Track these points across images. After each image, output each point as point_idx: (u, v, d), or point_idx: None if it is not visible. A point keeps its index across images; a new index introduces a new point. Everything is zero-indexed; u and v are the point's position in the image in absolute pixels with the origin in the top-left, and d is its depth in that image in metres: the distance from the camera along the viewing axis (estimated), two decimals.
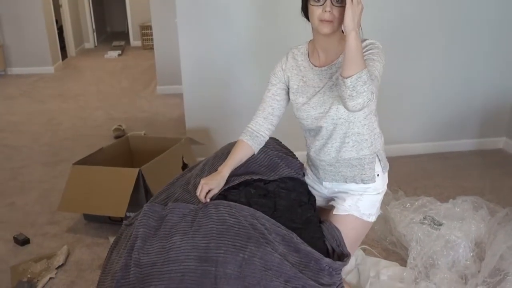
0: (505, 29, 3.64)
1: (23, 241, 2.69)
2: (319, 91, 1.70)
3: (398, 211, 2.74)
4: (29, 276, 2.39)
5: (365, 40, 1.63)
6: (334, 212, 1.79)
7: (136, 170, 2.66)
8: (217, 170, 1.77)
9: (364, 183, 1.77)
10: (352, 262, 2.43)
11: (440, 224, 2.52)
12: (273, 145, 1.99)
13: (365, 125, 1.70)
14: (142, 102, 5.62)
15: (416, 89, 3.73)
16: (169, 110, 5.24)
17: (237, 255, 1.45)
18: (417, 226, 2.52)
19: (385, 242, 2.68)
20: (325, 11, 1.53)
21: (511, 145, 3.90)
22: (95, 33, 9.90)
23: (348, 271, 2.41)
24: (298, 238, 1.58)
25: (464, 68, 3.71)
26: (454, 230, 2.46)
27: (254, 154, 1.86)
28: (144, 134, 4.33)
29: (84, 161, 2.89)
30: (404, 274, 2.33)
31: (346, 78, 1.45)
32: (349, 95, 1.46)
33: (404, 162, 3.69)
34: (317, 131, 1.76)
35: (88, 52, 9.26)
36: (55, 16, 7.77)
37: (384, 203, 2.92)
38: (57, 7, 8.09)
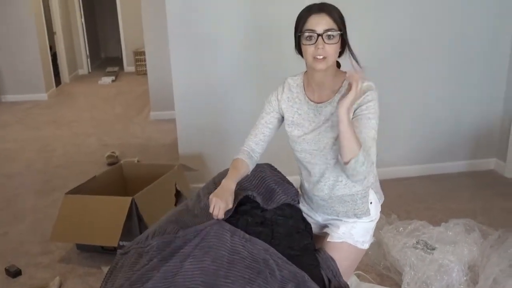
0: (494, 53, 3.72)
1: (15, 273, 2.67)
2: (315, 128, 1.71)
3: (392, 235, 2.74)
4: None
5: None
6: (328, 239, 1.80)
7: (129, 199, 2.66)
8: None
9: (357, 217, 1.79)
10: None
11: (433, 248, 2.53)
12: (269, 171, 2.01)
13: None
14: (136, 128, 5.64)
15: (406, 111, 3.77)
16: (163, 136, 5.26)
17: (244, 287, 1.45)
18: (410, 251, 2.52)
19: (379, 267, 2.68)
20: (318, 48, 1.57)
21: (501, 166, 3.94)
22: (89, 59, 9.98)
23: None
24: (309, 278, 1.57)
25: (454, 90, 3.77)
26: (447, 254, 2.47)
27: (248, 174, 1.86)
28: (138, 161, 4.33)
29: (76, 190, 2.89)
30: None
31: (345, 163, 1.54)
32: (350, 174, 1.59)
33: (396, 185, 3.71)
34: (311, 167, 1.78)
35: (82, 78, 9.32)
36: (49, 42, 7.84)
37: (378, 228, 2.92)
38: (51, 34, 8.17)
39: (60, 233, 2.76)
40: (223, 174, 1.93)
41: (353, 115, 1.61)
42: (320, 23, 1.57)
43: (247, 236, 1.61)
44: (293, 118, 1.77)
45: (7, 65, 7.09)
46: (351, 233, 1.78)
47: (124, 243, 2.61)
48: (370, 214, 1.79)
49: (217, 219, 1.62)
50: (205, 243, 1.56)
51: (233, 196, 1.68)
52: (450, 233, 2.67)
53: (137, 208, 2.68)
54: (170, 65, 3.46)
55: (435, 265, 2.42)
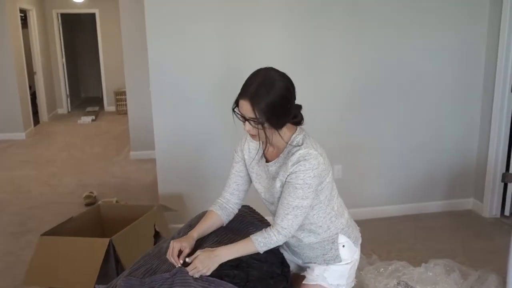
0: (465, 93, 3.85)
1: None
2: (267, 183, 1.76)
3: (373, 276, 2.73)
4: None
5: (297, 150, 1.63)
6: (303, 282, 1.81)
7: (107, 240, 2.60)
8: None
9: (326, 264, 1.79)
10: None
11: None
12: (248, 213, 2.01)
13: (314, 215, 1.73)
14: (115, 168, 5.58)
15: (384, 152, 3.84)
16: (142, 176, 5.21)
17: None
18: None
19: None
20: (246, 129, 1.64)
21: (479, 206, 4.00)
22: (69, 99, 9.94)
23: None
24: None
25: (429, 130, 3.86)
26: None
27: (223, 225, 1.87)
28: (116, 201, 4.26)
29: (52, 232, 2.81)
30: None
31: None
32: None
33: (376, 224, 3.72)
34: (271, 211, 1.83)
35: (61, 118, 9.25)
36: (29, 82, 7.81)
37: (359, 268, 2.90)
38: (31, 73, 8.15)
39: (34, 276, 2.66)
40: (200, 217, 1.94)
41: (285, 179, 1.65)
42: (244, 108, 1.59)
43: (210, 278, 1.60)
44: (252, 169, 1.82)
45: None
46: (324, 276, 1.78)
47: (101, 286, 2.53)
48: (340, 260, 1.78)
49: (179, 266, 1.64)
50: None
51: (191, 243, 1.73)
52: (431, 273, 2.68)
53: (114, 250, 2.61)
54: (150, 104, 3.48)
55: None
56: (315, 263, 1.82)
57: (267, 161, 1.76)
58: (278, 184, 1.69)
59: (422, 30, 3.65)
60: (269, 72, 1.62)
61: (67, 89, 9.90)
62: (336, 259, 1.77)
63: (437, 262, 2.82)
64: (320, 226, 1.74)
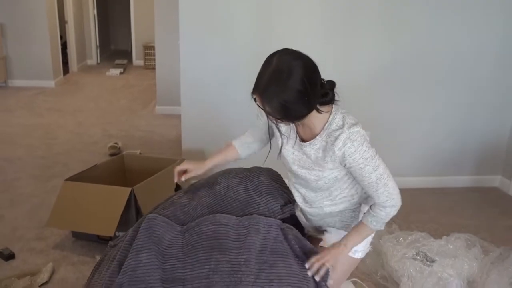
0: (503, 69, 3.68)
1: (8, 256, 2.64)
2: (297, 161, 1.68)
3: (391, 245, 2.70)
4: None
5: (340, 133, 1.53)
6: (320, 244, 1.79)
7: (129, 190, 2.63)
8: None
9: (345, 230, 1.76)
10: None
11: (433, 261, 2.48)
12: (265, 177, 1.98)
13: (341, 186, 1.68)
14: (140, 121, 5.62)
15: (415, 124, 3.74)
16: (167, 131, 5.24)
17: (203, 268, 1.56)
18: (409, 262, 2.48)
19: (376, 276, 2.64)
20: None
21: (506, 184, 3.89)
22: (98, 50, 9.98)
23: None
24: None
25: (463, 105, 3.73)
26: (447, 267, 2.42)
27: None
28: (140, 153, 4.31)
29: (76, 178, 2.86)
30: None
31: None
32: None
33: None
34: (294, 190, 1.81)
35: (90, 69, 9.31)
36: (60, 31, 7.84)
37: (377, 236, 2.89)
38: (62, 22, 8.17)
39: (57, 219, 2.73)
40: (218, 174, 1.99)
41: (341, 165, 1.59)
42: (259, 102, 1.49)
43: (193, 224, 1.73)
44: (284, 130, 1.72)
45: (17, 50, 7.09)
46: None
47: (120, 233, 2.57)
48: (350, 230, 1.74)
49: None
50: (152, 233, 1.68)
51: (201, 170, 1.86)
52: (451, 246, 2.63)
53: (135, 199, 2.65)
54: (178, 61, 3.45)
55: (433, 277, 2.37)
56: (333, 227, 1.80)
57: (302, 140, 1.66)
58: (309, 164, 1.63)
59: (460, 8, 3.47)
60: (283, 58, 1.44)
61: (97, 40, 9.93)
62: (348, 228, 1.75)
63: (458, 235, 2.77)
64: (345, 197, 1.70)
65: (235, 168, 2.04)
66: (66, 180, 2.81)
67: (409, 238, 2.74)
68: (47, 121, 5.48)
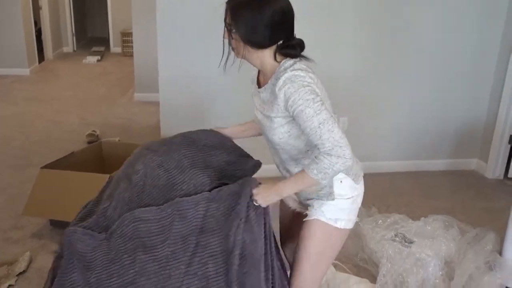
0: (481, 53, 3.73)
1: None
2: (259, 111, 1.66)
3: (370, 227, 2.73)
4: None
5: (284, 73, 1.48)
6: (303, 219, 1.70)
7: (106, 176, 2.59)
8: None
9: (320, 199, 1.65)
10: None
11: (411, 242, 2.52)
12: (192, 142, 1.84)
13: (307, 151, 1.61)
14: (119, 109, 5.54)
15: (392, 107, 3.77)
16: (146, 118, 5.18)
17: (127, 273, 1.49)
18: (388, 243, 2.52)
19: (356, 258, 2.67)
20: (224, 37, 1.58)
21: (482, 167, 3.96)
22: (74, 37, 9.77)
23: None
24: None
25: (440, 89, 3.78)
26: (425, 248, 2.46)
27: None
28: (119, 140, 4.25)
29: (53, 165, 2.81)
30: None
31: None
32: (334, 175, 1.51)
33: (378, 179, 3.71)
34: (269, 146, 1.74)
35: (66, 56, 9.12)
36: (34, 17, 7.64)
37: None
38: (36, 9, 7.95)
39: (33, 208, 2.68)
40: (135, 158, 1.83)
41: (285, 113, 1.51)
42: (226, 12, 1.54)
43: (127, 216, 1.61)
44: (252, 100, 1.72)
45: None
46: (321, 210, 1.65)
47: None
48: (333, 198, 1.63)
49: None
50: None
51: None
52: (429, 227, 2.67)
53: None
54: (156, 48, 3.41)
55: (412, 258, 2.41)
56: (312, 198, 1.69)
57: (259, 86, 1.64)
58: (265, 111, 1.58)
59: None
60: None
61: (73, 27, 9.71)
62: (330, 196, 1.63)
63: (436, 217, 2.81)
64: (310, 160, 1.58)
65: (154, 143, 1.86)
66: (42, 168, 2.76)
67: (388, 220, 2.78)
68: (23, 110, 5.36)
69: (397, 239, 2.55)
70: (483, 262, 2.44)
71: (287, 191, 1.55)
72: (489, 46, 3.73)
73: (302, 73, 1.46)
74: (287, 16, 1.51)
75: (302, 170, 1.51)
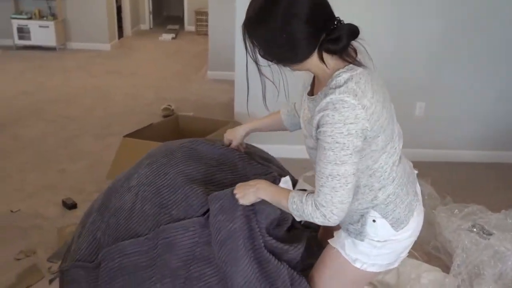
0: None
1: (71, 205, 2.79)
2: (304, 111, 1.43)
3: (445, 216, 2.64)
4: None
5: (332, 92, 1.19)
6: (328, 240, 1.52)
7: None
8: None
9: (348, 234, 1.43)
10: None
11: (490, 234, 2.41)
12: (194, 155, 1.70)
13: None
14: (192, 85, 5.69)
15: (475, 95, 3.58)
16: (218, 95, 5.28)
17: None
18: (465, 233, 2.42)
19: (428, 246, 2.60)
20: None
21: None
22: (151, 16, 10.10)
23: (388, 270, 2.35)
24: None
25: None
26: (505, 241, 2.35)
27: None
28: (193, 115, 4.37)
29: (134, 135, 2.95)
30: (446, 280, 2.25)
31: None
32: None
33: (456, 168, 3.56)
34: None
35: (143, 33, 9.46)
36: None
37: (431, 207, 2.83)
38: None
39: (116, 173, 2.83)
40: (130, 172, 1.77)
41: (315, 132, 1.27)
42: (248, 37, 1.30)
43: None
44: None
45: (75, 13, 7.29)
46: (343, 243, 1.44)
47: None
48: (363, 239, 1.38)
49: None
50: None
51: (238, 139, 1.74)
52: (510, 221, 2.54)
53: None
54: (231, 27, 3.43)
55: (490, 250, 2.31)
56: (342, 228, 1.48)
57: (312, 94, 1.38)
58: (308, 133, 1.35)
59: None
60: None
61: (151, 5, 10.03)
62: (358, 236, 1.39)
63: None
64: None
65: (157, 153, 1.75)
66: (125, 136, 2.90)
67: (465, 210, 2.67)
68: (104, 82, 5.65)
69: (475, 230, 2.45)
70: None
71: (264, 195, 1.40)
72: None
73: (352, 101, 1.16)
74: (319, 8, 1.19)
75: (289, 191, 1.35)
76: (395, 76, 3.36)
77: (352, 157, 1.20)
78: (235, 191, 1.44)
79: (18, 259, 2.35)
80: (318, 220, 1.26)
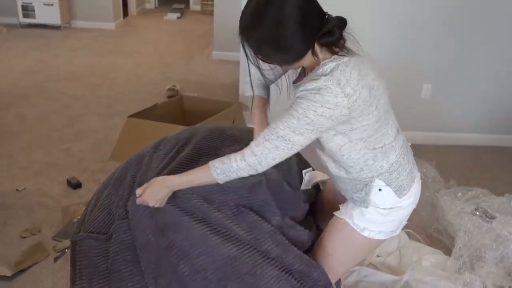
0: None
1: (75, 185, 2.81)
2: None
3: (448, 199, 2.64)
4: (78, 217, 2.50)
5: (317, 79, 1.23)
6: (334, 212, 1.58)
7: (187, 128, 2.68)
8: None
9: (353, 203, 1.50)
10: (394, 244, 2.39)
11: (493, 217, 2.42)
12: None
13: (344, 155, 1.38)
14: (197, 65, 5.66)
15: (481, 78, 3.54)
16: (223, 76, 5.26)
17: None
18: (467, 217, 2.43)
19: (430, 229, 2.61)
20: None
21: None
22: None
23: (389, 252, 2.37)
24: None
25: None
26: (507, 225, 2.35)
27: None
28: (197, 96, 4.36)
29: (138, 115, 2.96)
30: (448, 263, 2.27)
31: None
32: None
33: (460, 151, 3.54)
34: None
35: (148, 12, 9.38)
36: None
37: (434, 191, 2.83)
38: None
39: (120, 153, 2.85)
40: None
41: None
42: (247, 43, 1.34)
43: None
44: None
45: None
46: (351, 213, 1.50)
47: None
48: (367, 206, 1.45)
49: None
50: None
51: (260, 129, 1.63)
52: None
53: None
54: (237, 7, 3.40)
55: (492, 234, 2.32)
56: (346, 195, 1.54)
57: (295, 81, 1.42)
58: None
59: None
60: None
61: None
62: (363, 203, 1.45)
63: None
64: (351, 166, 1.41)
65: (147, 153, 1.88)
66: (129, 116, 2.91)
67: (469, 194, 2.67)
68: (108, 61, 5.63)
69: (478, 213, 2.45)
70: None
71: (177, 183, 1.42)
72: None
73: (336, 88, 1.21)
74: (309, 6, 1.22)
75: (205, 165, 1.37)
76: (402, 57, 3.32)
77: (312, 134, 1.26)
78: (140, 202, 1.47)
79: (24, 237, 2.38)
80: (244, 171, 1.32)
